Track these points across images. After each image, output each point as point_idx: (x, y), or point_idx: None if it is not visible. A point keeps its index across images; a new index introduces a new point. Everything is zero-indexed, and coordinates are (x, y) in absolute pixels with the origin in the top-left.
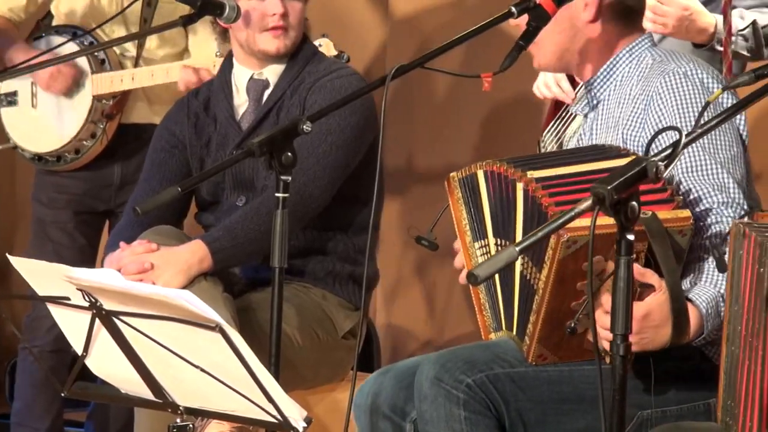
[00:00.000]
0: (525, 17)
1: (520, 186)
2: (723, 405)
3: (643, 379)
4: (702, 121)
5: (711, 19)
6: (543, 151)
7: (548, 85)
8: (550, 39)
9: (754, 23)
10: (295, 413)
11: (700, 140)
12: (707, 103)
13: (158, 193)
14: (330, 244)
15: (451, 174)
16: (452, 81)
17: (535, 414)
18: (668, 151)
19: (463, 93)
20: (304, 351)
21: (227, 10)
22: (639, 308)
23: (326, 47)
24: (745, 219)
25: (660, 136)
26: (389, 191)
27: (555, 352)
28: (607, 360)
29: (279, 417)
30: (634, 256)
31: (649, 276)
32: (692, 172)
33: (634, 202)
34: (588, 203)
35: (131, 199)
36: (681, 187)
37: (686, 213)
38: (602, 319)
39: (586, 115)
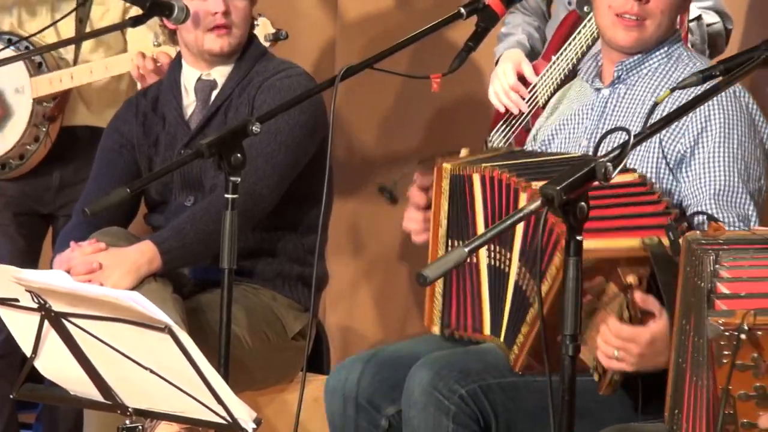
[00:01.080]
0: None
1: (524, 196)
2: (670, 412)
3: (631, 393)
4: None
5: None
6: None
7: (505, 92)
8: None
9: (699, 17)
10: (245, 414)
11: (737, 164)
12: (655, 104)
13: (107, 193)
14: (279, 245)
15: (444, 165)
16: (401, 81)
17: (523, 424)
18: (617, 152)
19: (413, 93)
20: (253, 352)
21: (176, 11)
22: (644, 333)
23: (263, 26)
24: (698, 232)
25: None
26: (338, 191)
27: (543, 363)
28: (596, 377)
29: (228, 418)
30: (638, 281)
31: (651, 303)
32: (724, 196)
33: (582, 203)
34: (537, 204)
35: (81, 200)
36: (706, 206)
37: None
38: (600, 343)
39: (597, 89)
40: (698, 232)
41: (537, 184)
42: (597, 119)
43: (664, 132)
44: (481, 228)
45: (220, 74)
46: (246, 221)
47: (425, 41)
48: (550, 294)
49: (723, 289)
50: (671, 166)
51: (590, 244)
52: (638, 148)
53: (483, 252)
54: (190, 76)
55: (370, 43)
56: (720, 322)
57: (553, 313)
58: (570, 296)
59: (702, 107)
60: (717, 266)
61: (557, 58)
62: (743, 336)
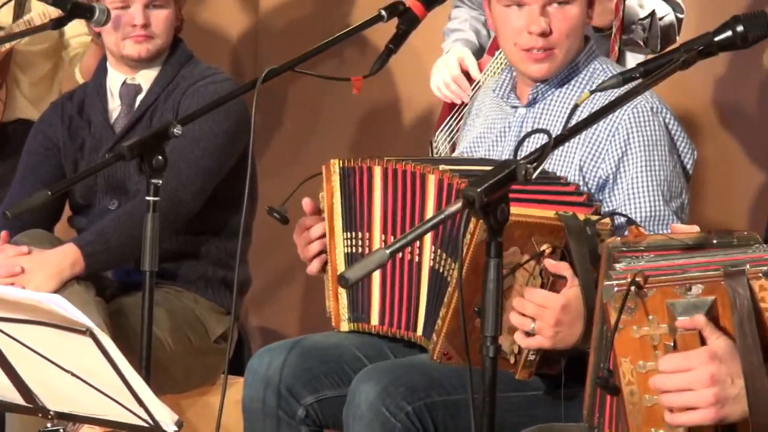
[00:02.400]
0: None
1: (432, 178)
2: (588, 411)
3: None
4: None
5: (611, 4)
6: (436, 151)
7: (446, 84)
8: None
9: (653, 14)
10: (166, 417)
11: (661, 187)
12: (576, 106)
13: (29, 196)
14: (203, 248)
15: (332, 161)
16: (327, 84)
17: None
18: (537, 154)
19: (338, 96)
20: (175, 355)
21: (97, 13)
22: (558, 298)
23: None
24: (618, 239)
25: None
26: (262, 195)
27: (462, 352)
28: (511, 360)
29: (150, 421)
30: (551, 250)
31: (563, 268)
32: (651, 222)
33: (503, 205)
34: (457, 206)
35: (4, 203)
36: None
37: (606, 220)
38: (514, 317)
39: (514, 107)
40: (618, 238)
41: (445, 168)
42: (514, 140)
43: (583, 157)
44: (377, 220)
45: (144, 78)
46: (168, 226)
47: (348, 43)
48: (464, 265)
49: (618, 267)
50: (593, 191)
51: (515, 209)
52: (558, 172)
53: (376, 243)
54: (115, 79)
55: (291, 47)
56: (613, 284)
57: (468, 289)
58: (490, 297)
59: (621, 130)
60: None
61: (499, 53)
62: (633, 288)
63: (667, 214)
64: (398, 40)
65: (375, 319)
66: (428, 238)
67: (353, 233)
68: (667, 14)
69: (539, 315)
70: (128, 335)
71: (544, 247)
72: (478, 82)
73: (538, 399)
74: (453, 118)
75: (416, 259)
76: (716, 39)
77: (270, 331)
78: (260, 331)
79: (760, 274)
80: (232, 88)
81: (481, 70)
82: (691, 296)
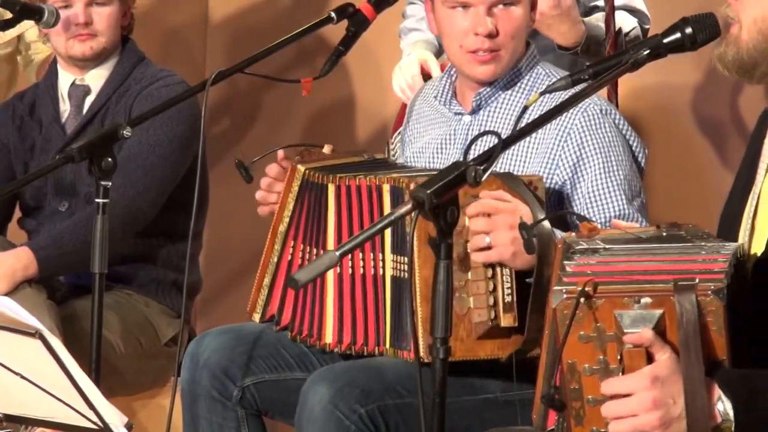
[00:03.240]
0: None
1: (386, 188)
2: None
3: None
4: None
5: (583, 27)
6: (393, 153)
7: (409, 87)
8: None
9: (619, 31)
10: (116, 420)
11: (622, 187)
12: (525, 108)
13: None
14: (154, 251)
15: (299, 167)
16: (279, 87)
17: None
18: (487, 156)
19: (291, 98)
20: (126, 358)
21: (46, 14)
22: (507, 204)
23: None
24: (573, 234)
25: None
26: (213, 197)
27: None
28: (492, 315)
29: (100, 423)
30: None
31: (501, 193)
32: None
33: (453, 207)
34: (407, 207)
35: None
36: None
37: (538, 175)
38: (473, 240)
39: (458, 114)
40: (573, 234)
41: (398, 175)
42: (460, 148)
43: (536, 165)
44: (331, 236)
45: (94, 79)
46: (125, 234)
47: (298, 44)
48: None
49: (568, 269)
50: (550, 197)
51: None
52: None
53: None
54: (64, 81)
55: (241, 48)
56: (563, 290)
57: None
58: (440, 299)
59: (573, 134)
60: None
61: None
62: (582, 299)
63: (631, 213)
64: (348, 41)
65: (330, 338)
66: (388, 249)
67: (293, 242)
68: (633, 29)
69: (491, 224)
70: (80, 338)
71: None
72: None
73: (490, 402)
74: None
75: (380, 272)
76: (665, 41)
77: None
78: None
79: (709, 292)
80: (185, 90)
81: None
82: (639, 308)
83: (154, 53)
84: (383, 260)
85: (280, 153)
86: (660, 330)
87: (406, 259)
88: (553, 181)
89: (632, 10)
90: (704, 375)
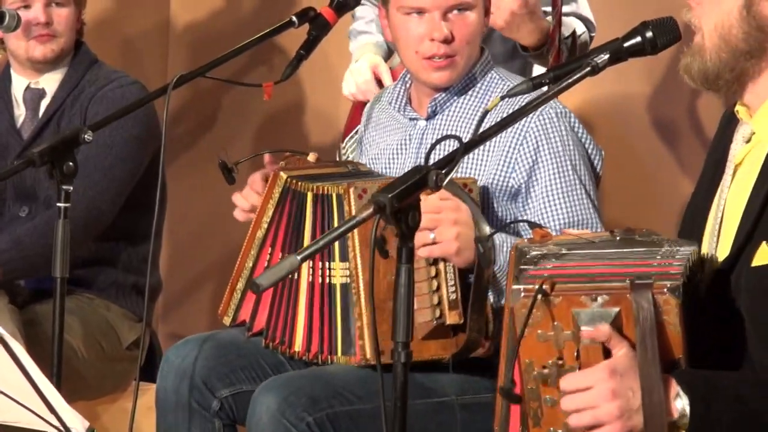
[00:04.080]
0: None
1: (350, 194)
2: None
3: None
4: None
5: (546, 24)
6: (345, 157)
7: (361, 92)
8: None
9: (573, 33)
10: (78, 424)
11: (576, 190)
12: (486, 112)
13: None
14: (114, 254)
15: (281, 174)
16: (237, 90)
17: None
18: (448, 160)
19: (248, 101)
20: (88, 362)
21: (7, 18)
22: (450, 201)
23: None
24: (525, 239)
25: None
26: (172, 199)
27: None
28: (436, 314)
29: (61, 427)
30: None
31: (444, 193)
32: (572, 226)
33: (414, 211)
34: (369, 211)
35: None
36: None
37: (472, 178)
38: (418, 237)
39: (413, 119)
40: (526, 239)
41: (359, 183)
42: (415, 152)
43: (492, 168)
44: (306, 241)
45: (49, 82)
46: (86, 236)
47: (258, 49)
48: (356, 250)
49: (527, 273)
50: (504, 201)
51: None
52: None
53: (305, 270)
54: (18, 85)
55: (202, 52)
56: (521, 288)
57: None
58: (402, 302)
59: (529, 138)
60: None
61: None
62: (540, 296)
63: (586, 216)
64: (309, 45)
65: (299, 345)
66: (337, 256)
67: (270, 249)
68: (583, 32)
69: (436, 221)
70: (42, 343)
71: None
72: None
73: (446, 405)
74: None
75: (328, 280)
76: (625, 45)
77: (180, 337)
78: (171, 337)
79: (665, 290)
80: (140, 91)
81: (394, 77)
82: (596, 306)
83: (116, 58)
84: (332, 269)
85: (267, 157)
86: (617, 327)
87: (347, 264)
88: (509, 184)
89: (582, 18)
90: (660, 371)
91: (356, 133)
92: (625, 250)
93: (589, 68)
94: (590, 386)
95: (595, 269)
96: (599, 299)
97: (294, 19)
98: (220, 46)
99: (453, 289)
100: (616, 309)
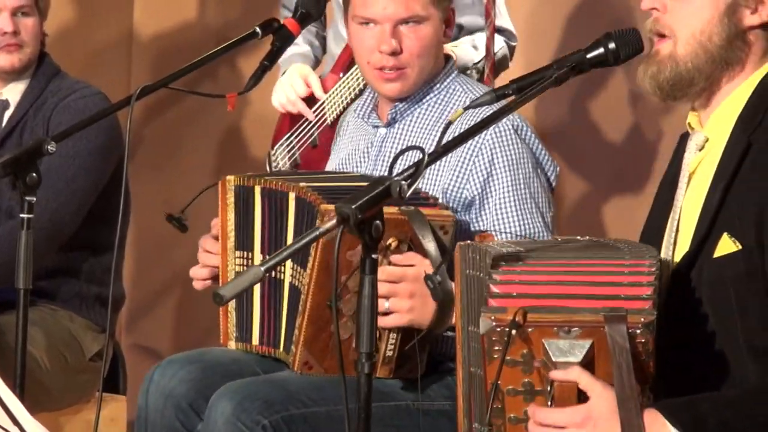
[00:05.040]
0: None
1: (292, 195)
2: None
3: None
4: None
5: (469, 41)
6: (275, 165)
7: (292, 103)
8: None
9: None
10: None
11: (528, 205)
12: (449, 123)
13: None
14: (77, 265)
15: (228, 177)
16: (200, 100)
17: None
18: (411, 171)
19: (202, 111)
20: (51, 374)
21: None
22: (408, 269)
23: None
24: (468, 242)
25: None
26: (136, 210)
27: (321, 361)
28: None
29: None
30: (397, 243)
31: (410, 257)
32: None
33: (378, 221)
34: (332, 222)
35: None
36: None
37: (448, 212)
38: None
39: (375, 127)
40: (469, 242)
41: (304, 185)
42: (374, 159)
43: (447, 179)
44: (258, 240)
45: (12, 93)
46: (49, 247)
47: (221, 59)
48: (314, 268)
49: (494, 289)
50: (458, 212)
51: None
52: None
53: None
54: None
55: (165, 62)
56: (492, 318)
57: (320, 292)
58: (365, 313)
59: (484, 151)
60: (490, 270)
61: (346, 78)
62: (514, 331)
63: (536, 230)
64: (273, 56)
65: (256, 339)
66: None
67: (244, 252)
68: (500, 48)
69: (393, 291)
70: (5, 354)
71: (390, 240)
72: (322, 102)
73: (402, 410)
74: (294, 134)
75: (280, 276)
76: (588, 56)
77: (143, 349)
78: (134, 348)
79: (640, 325)
80: (102, 101)
81: (325, 88)
82: (569, 338)
83: (79, 68)
84: (283, 266)
85: (215, 222)
86: (589, 359)
87: (302, 270)
88: (463, 196)
89: (499, 30)
90: (639, 406)
91: (287, 140)
92: (589, 255)
93: (552, 79)
94: (564, 427)
95: (565, 287)
96: (572, 331)
97: (257, 30)
98: (183, 57)
99: (392, 347)
100: (589, 341)
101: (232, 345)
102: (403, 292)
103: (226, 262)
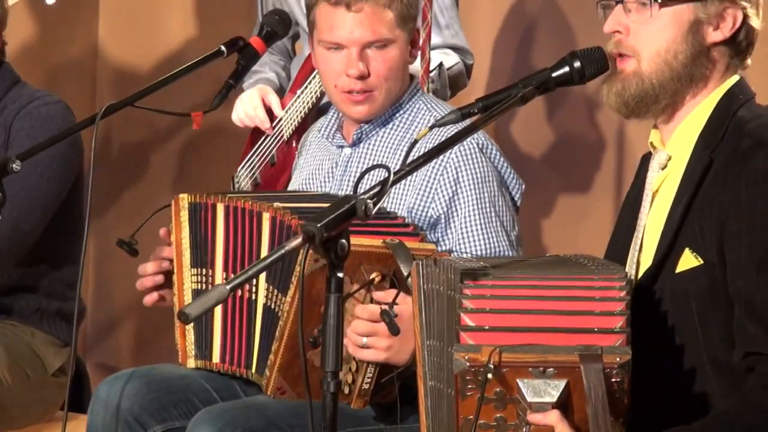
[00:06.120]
0: None
1: (266, 216)
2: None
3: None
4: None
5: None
6: (238, 186)
7: (249, 117)
8: None
9: (440, 65)
10: None
11: (493, 224)
12: (415, 141)
13: None
14: (36, 280)
15: (181, 195)
16: (163, 118)
17: None
18: (377, 189)
19: (169, 128)
20: (12, 390)
21: None
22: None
23: None
24: (425, 259)
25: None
26: (100, 228)
27: (294, 386)
28: (345, 390)
29: None
30: (380, 277)
31: (392, 294)
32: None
33: (343, 240)
34: (298, 241)
35: None
36: None
37: (431, 246)
38: (351, 337)
39: (340, 146)
40: (425, 258)
41: (279, 205)
42: (340, 179)
43: (412, 198)
44: (219, 257)
45: None
46: (11, 259)
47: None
48: (295, 297)
49: (467, 320)
50: (424, 230)
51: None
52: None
53: (218, 279)
54: None
55: (130, 80)
56: (466, 357)
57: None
58: (331, 332)
59: (449, 170)
60: (460, 295)
61: (302, 92)
62: (490, 375)
63: (503, 248)
64: (238, 75)
65: (216, 357)
66: (262, 276)
67: (201, 269)
68: (455, 64)
69: (373, 330)
70: None
71: (373, 275)
72: (279, 120)
73: None
74: (255, 154)
75: (252, 296)
76: (554, 75)
77: (109, 368)
78: (100, 368)
79: (616, 366)
80: (64, 110)
81: (283, 107)
82: (544, 377)
83: (43, 85)
84: (256, 286)
85: (163, 231)
86: (564, 399)
87: (281, 295)
88: (428, 215)
89: (456, 48)
90: None
91: (248, 161)
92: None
93: (517, 98)
94: None
95: (535, 317)
96: (547, 371)
97: (223, 48)
98: (148, 74)
99: (369, 380)
100: (564, 381)
101: (191, 363)
102: (382, 332)
103: (182, 279)
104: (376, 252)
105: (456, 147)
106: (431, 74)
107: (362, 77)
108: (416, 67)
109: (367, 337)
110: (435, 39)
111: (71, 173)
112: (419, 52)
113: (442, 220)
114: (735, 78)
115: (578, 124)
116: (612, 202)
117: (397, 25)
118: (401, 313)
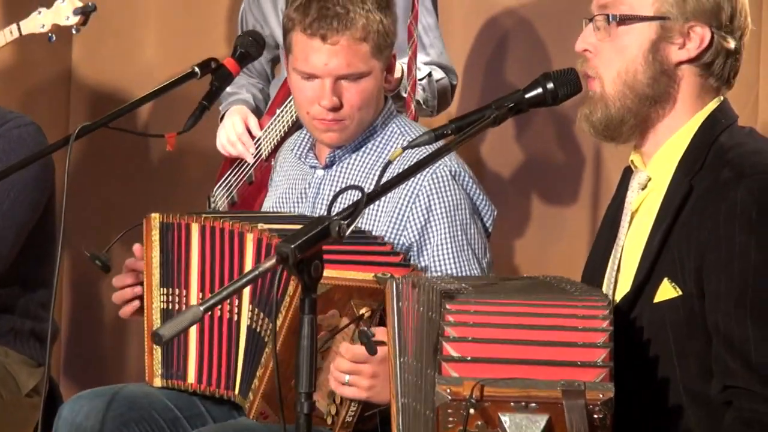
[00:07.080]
0: None
1: (250, 237)
2: None
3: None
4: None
5: (398, 65)
6: (214, 206)
7: (232, 143)
8: None
9: (429, 74)
10: None
11: (465, 253)
12: (389, 162)
13: None
14: (10, 301)
15: (153, 215)
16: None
17: None
18: (350, 210)
19: (139, 150)
20: None
21: None
22: (377, 358)
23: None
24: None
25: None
26: (68, 247)
27: (278, 411)
28: (329, 421)
29: None
30: (370, 313)
31: (381, 332)
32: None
33: (317, 261)
34: (272, 262)
35: None
36: None
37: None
38: (334, 373)
39: (313, 167)
40: (402, 276)
41: (263, 227)
42: (312, 200)
43: (384, 225)
44: (194, 277)
45: None
46: None
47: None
48: (284, 327)
49: (450, 350)
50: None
51: (326, 272)
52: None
53: (193, 299)
54: None
55: (104, 101)
56: (448, 391)
57: (287, 350)
58: (304, 354)
59: (421, 197)
60: (442, 321)
61: (281, 111)
62: (472, 410)
63: (476, 275)
64: (212, 96)
65: (192, 377)
66: (246, 298)
67: (170, 289)
68: (442, 78)
69: (356, 370)
70: None
71: (363, 310)
72: (258, 139)
73: None
74: (232, 174)
75: (235, 318)
76: (527, 96)
77: (81, 387)
78: (74, 388)
79: (599, 403)
80: (36, 132)
81: (261, 127)
82: (526, 411)
83: (17, 107)
84: (239, 308)
85: (136, 248)
86: None
87: (265, 318)
88: (401, 242)
89: (442, 67)
90: None
91: (225, 181)
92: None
93: (490, 119)
94: None
95: (518, 348)
96: (530, 406)
97: (196, 69)
98: (122, 96)
99: (353, 413)
100: (546, 416)
101: (158, 382)
102: (365, 373)
103: (151, 299)
104: (366, 287)
105: (428, 174)
106: (422, 82)
107: (335, 108)
108: (404, 84)
109: (349, 375)
110: (422, 58)
111: (44, 195)
112: (406, 70)
113: (415, 248)
114: (717, 101)
115: (550, 142)
116: (587, 220)
117: (372, 56)
118: (383, 356)
